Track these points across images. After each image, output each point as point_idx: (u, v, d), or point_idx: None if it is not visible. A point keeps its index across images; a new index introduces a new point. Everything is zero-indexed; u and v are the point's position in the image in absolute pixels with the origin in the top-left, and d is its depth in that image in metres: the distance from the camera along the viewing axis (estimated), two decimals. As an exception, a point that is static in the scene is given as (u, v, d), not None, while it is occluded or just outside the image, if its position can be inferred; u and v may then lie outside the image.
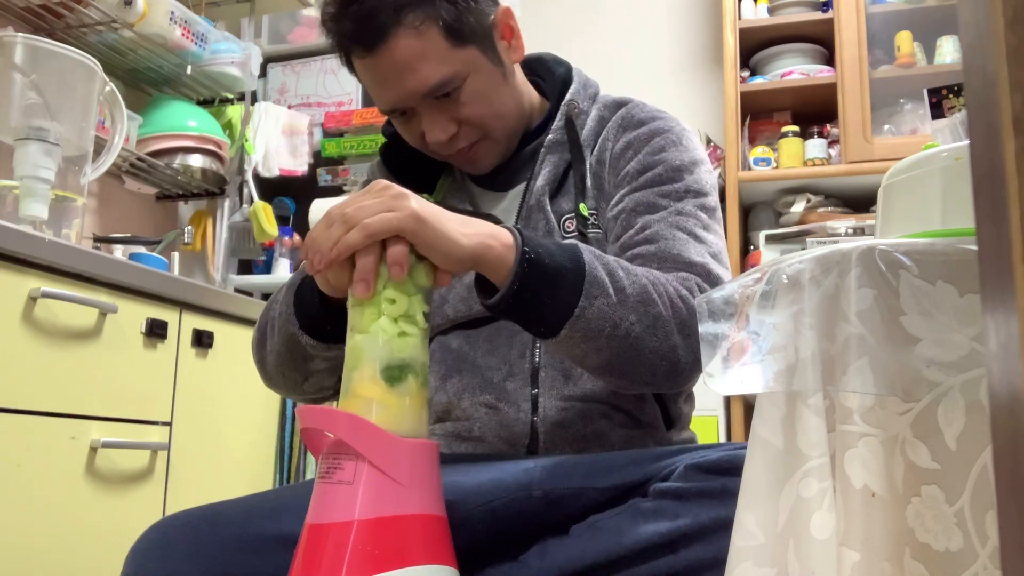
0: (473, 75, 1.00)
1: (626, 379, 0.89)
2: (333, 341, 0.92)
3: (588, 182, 1.05)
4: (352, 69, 1.03)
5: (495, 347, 1.01)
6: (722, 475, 0.80)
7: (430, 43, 0.96)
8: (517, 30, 1.06)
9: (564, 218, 1.04)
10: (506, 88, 1.05)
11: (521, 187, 1.09)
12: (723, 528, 0.63)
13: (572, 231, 1.03)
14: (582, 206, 1.03)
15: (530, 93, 1.11)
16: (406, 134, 1.06)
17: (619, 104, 1.11)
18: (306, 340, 0.93)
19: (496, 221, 1.03)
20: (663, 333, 0.87)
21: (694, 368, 0.90)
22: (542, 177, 1.06)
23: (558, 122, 1.08)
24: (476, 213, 1.06)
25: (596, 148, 1.07)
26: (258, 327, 1.05)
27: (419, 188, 1.08)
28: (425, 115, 1.01)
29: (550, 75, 1.14)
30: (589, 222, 1.03)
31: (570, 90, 1.11)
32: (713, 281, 0.93)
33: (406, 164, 1.12)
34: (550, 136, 1.07)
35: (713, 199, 1.04)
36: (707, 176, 1.05)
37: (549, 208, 1.04)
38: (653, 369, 0.88)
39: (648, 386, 0.92)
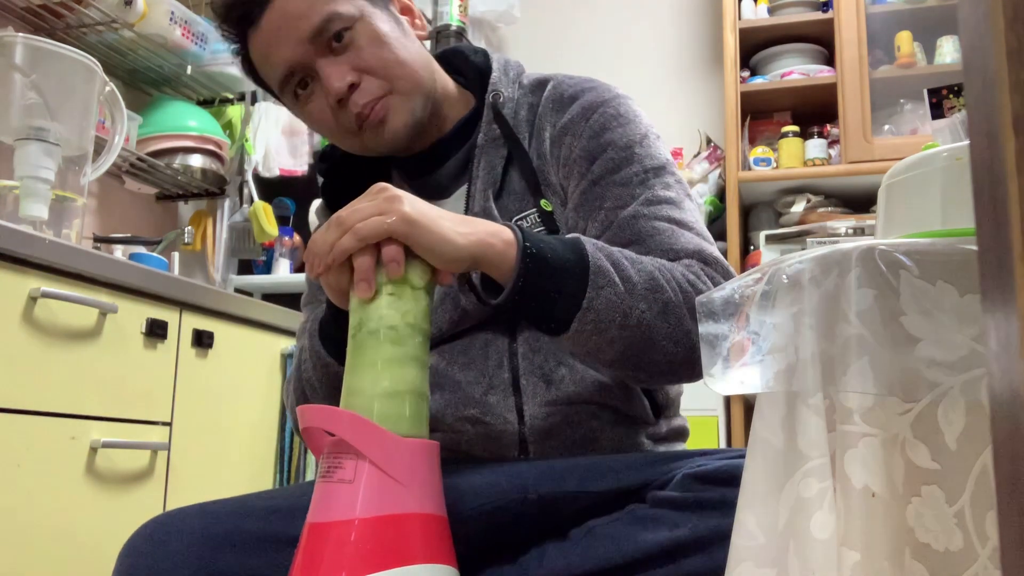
0: (365, 19, 0.97)
1: (644, 371, 0.87)
2: None
3: (539, 177, 1.00)
4: (247, 61, 1.00)
5: (471, 360, 0.98)
6: (720, 485, 0.79)
7: None
8: (416, 11, 1.04)
9: (516, 219, 0.99)
10: (407, 40, 1.00)
11: (462, 191, 1.04)
12: (722, 539, 0.63)
13: None
14: (543, 203, 0.99)
15: (444, 79, 1.06)
16: (313, 115, 1.00)
17: (542, 83, 1.05)
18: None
19: None
20: (675, 319, 0.84)
21: None
22: (481, 179, 1.01)
23: (486, 117, 1.03)
24: None
25: (534, 140, 1.02)
26: (296, 399, 1.04)
27: None
28: (323, 70, 0.95)
29: (468, 65, 1.09)
30: (554, 217, 0.99)
31: (491, 79, 1.06)
32: (710, 261, 0.91)
33: (346, 197, 1.10)
34: (482, 134, 1.03)
35: (671, 167, 0.99)
36: (657, 144, 1.00)
37: (495, 211, 1.00)
38: (670, 356, 0.85)
39: (668, 376, 0.89)
